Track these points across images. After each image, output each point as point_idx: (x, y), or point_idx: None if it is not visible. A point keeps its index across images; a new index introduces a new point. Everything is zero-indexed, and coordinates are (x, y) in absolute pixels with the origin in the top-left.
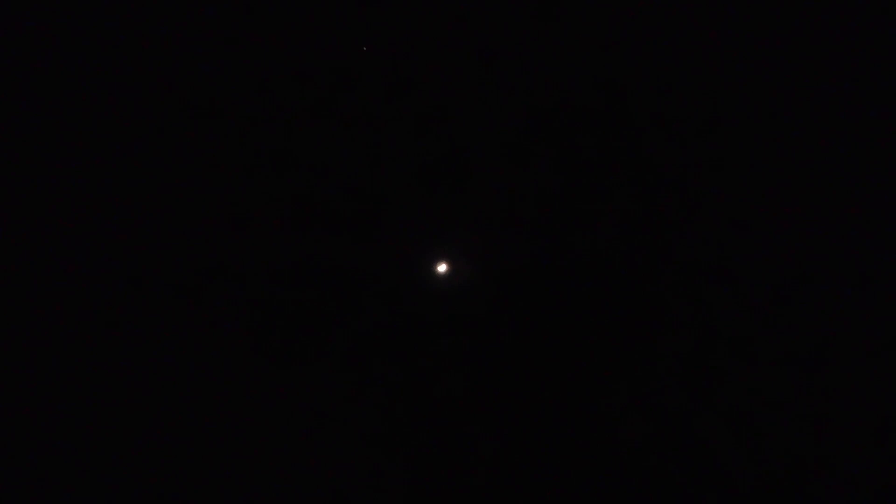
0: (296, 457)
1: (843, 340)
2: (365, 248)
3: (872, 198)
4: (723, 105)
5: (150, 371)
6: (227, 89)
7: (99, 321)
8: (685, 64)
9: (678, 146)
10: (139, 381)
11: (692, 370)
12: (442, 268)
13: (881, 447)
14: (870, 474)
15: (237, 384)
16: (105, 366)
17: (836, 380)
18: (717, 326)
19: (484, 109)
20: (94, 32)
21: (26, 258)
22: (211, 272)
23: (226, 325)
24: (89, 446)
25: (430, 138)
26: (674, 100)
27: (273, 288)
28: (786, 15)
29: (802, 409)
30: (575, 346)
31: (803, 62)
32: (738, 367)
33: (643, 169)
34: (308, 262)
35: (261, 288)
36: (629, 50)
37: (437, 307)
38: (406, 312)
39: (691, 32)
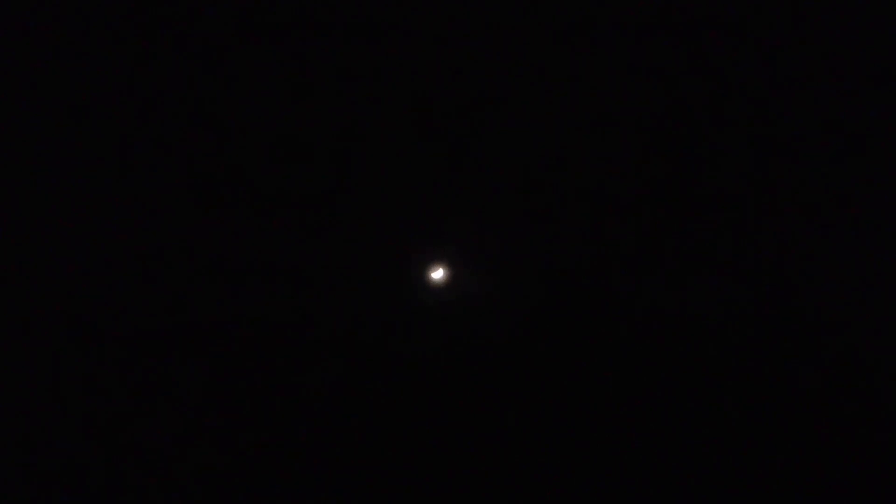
0: (275, 478)
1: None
2: (349, 248)
3: None
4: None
5: (144, 370)
6: (224, 86)
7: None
8: (691, 63)
9: (695, 145)
10: (131, 381)
11: (704, 385)
12: (437, 274)
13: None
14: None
15: (215, 392)
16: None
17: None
18: (731, 337)
19: (493, 89)
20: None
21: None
22: (191, 272)
23: (199, 332)
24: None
25: (427, 119)
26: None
27: (240, 299)
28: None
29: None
30: (595, 370)
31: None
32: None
33: (664, 164)
34: (281, 264)
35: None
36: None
37: (431, 321)
38: (394, 326)
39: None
